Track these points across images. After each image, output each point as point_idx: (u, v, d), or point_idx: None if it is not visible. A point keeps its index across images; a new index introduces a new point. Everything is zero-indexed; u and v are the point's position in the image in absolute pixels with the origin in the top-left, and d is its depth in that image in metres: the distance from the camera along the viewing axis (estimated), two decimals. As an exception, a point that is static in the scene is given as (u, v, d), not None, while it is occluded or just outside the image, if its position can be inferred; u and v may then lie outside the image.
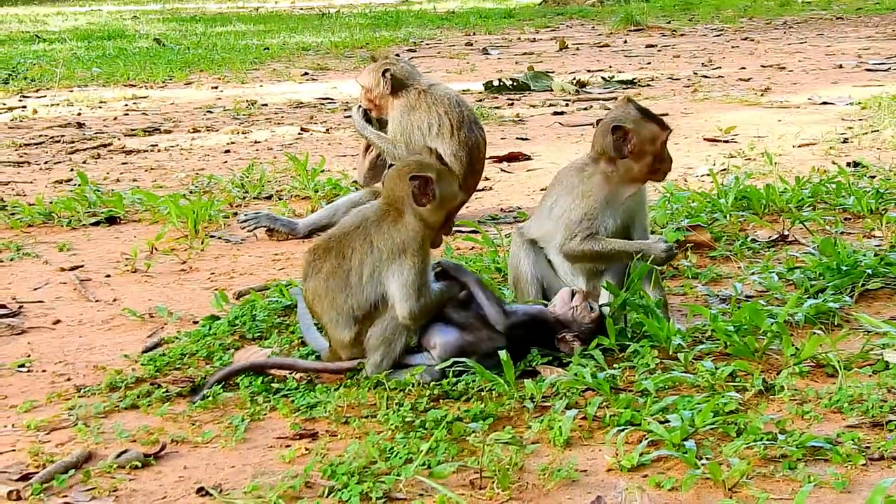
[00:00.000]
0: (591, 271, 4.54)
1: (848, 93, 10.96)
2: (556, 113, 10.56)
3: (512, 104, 11.21)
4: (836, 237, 5.52)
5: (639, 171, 4.48)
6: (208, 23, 23.06)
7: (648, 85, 12.27)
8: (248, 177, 7.53)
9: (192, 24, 22.77)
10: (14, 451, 3.61)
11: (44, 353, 4.50)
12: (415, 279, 3.99)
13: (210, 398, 3.89)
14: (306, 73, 14.38)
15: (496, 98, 11.63)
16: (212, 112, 11.21)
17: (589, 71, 13.44)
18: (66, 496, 3.29)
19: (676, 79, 12.77)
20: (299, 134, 9.85)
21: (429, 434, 3.53)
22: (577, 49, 16.62)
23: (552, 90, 12.04)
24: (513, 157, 8.36)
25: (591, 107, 10.84)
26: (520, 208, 6.73)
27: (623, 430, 3.51)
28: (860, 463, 3.31)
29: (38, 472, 3.40)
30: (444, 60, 15.47)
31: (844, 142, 8.46)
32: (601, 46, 16.92)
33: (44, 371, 4.30)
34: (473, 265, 5.14)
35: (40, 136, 9.88)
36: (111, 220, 6.66)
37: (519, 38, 18.70)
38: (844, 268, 4.90)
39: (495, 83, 12.10)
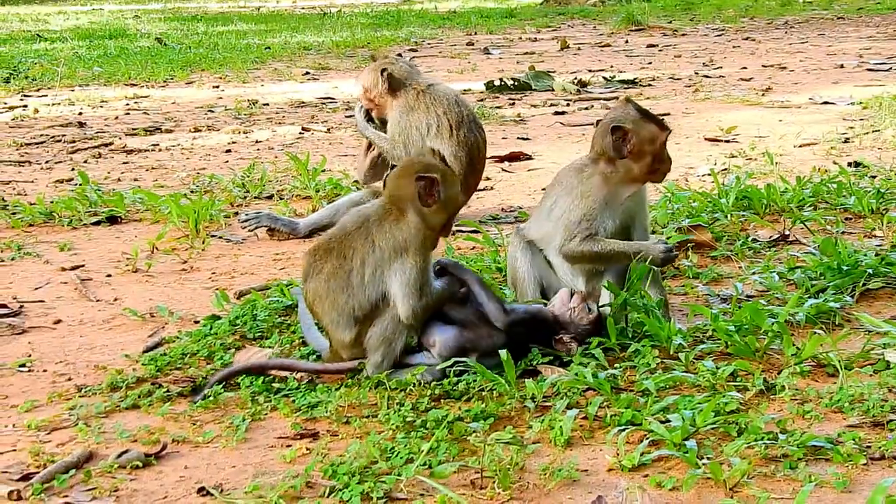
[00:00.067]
0: (590, 272, 4.53)
1: (849, 93, 10.95)
2: (557, 113, 10.56)
3: (513, 104, 11.21)
4: (836, 237, 5.52)
5: (638, 171, 4.48)
6: (210, 22, 23.08)
7: (650, 85, 12.26)
8: (249, 176, 7.53)
9: (194, 23, 22.77)
10: (15, 450, 3.60)
11: (45, 352, 4.50)
12: (417, 278, 3.99)
13: (211, 398, 3.89)
14: (308, 73, 14.38)
15: (497, 98, 11.62)
16: (213, 111, 11.20)
17: (590, 71, 13.43)
18: (66, 496, 3.28)
19: (678, 78, 12.76)
20: (300, 133, 9.84)
21: (430, 434, 3.53)
22: (579, 49, 16.62)
23: (553, 90, 12.03)
24: (514, 157, 8.36)
25: (593, 106, 10.83)
26: (521, 208, 6.73)
27: (624, 429, 3.51)
28: (861, 462, 3.31)
29: (38, 472, 3.40)
30: (446, 60, 15.47)
31: (845, 142, 8.46)
32: (602, 46, 16.92)
33: (44, 371, 4.30)
34: (474, 265, 5.13)
35: (41, 135, 9.88)
36: (112, 220, 6.66)
37: (520, 38, 18.70)
38: (845, 267, 4.90)
39: (496, 83, 12.10)
